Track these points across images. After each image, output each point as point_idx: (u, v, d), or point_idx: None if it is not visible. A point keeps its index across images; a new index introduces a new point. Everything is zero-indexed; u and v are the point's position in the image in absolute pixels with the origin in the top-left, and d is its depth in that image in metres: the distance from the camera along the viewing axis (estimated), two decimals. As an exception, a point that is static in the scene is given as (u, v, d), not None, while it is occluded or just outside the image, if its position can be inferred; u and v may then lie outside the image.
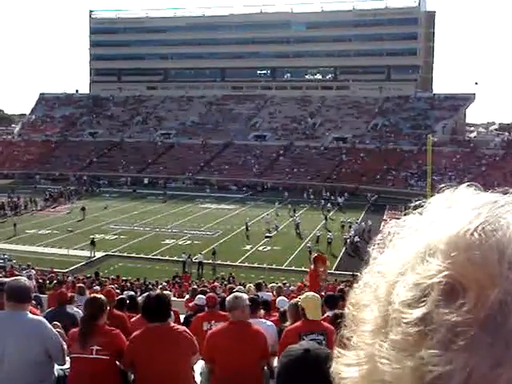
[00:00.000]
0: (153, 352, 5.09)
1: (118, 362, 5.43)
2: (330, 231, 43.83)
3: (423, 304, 0.56)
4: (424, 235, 0.62)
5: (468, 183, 0.67)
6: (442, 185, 0.67)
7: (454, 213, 0.62)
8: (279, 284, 19.26)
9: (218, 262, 37.63)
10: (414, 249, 0.61)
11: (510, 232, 0.58)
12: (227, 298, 6.03)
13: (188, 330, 5.48)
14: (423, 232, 0.62)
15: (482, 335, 0.54)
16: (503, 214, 0.60)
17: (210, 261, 37.25)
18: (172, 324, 5.45)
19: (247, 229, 46.11)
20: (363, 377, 0.61)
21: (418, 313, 0.56)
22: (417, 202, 0.68)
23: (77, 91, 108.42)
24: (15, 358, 4.69)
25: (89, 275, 31.57)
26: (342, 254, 39.41)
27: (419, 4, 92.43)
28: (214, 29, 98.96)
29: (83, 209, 51.51)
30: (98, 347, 5.26)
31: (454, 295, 0.56)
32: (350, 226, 45.77)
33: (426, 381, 0.54)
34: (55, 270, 32.38)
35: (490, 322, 0.54)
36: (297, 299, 7.62)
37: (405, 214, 0.68)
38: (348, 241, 41.69)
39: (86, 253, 39.03)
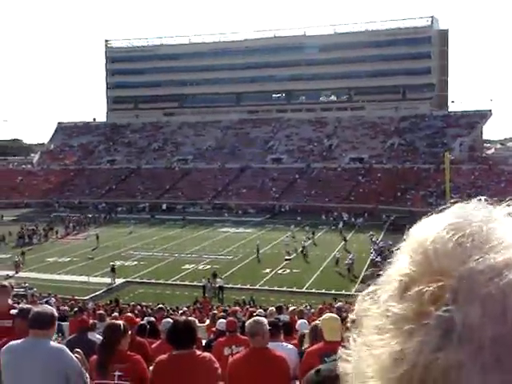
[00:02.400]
0: (178, 379, 5.03)
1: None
2: (349, 252, 43.57)
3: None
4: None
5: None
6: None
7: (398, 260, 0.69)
8: (300, 307, 19.06)
9: (221, 285, 36.89)
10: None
11: (442, 236, 0.65)
12: (247, 323, 5.97)
13: (213, 358, 5.40)
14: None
15: (423, 324, 0.58)
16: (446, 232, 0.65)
17: (208, 283, 36.51)
18: (198, 352, 5.34)
19: (258, 251, 45.98)
20: None
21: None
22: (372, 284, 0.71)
23: (94, 119, 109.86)
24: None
25: (109, 302, 31.62)
26: (362, 275, 39.03)
27: (432, 23, 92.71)
28: (228, 54, 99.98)
29: (97, 237, 51.80)
30: (120, 373, 5.25)
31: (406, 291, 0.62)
32: (376, 243, 45.76)
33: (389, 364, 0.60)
34: (76, 297, 32.43)
35: (430, 313, 0.59)
36: (316, 321, 7.59)
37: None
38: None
39: (107, 280, 39.15)
